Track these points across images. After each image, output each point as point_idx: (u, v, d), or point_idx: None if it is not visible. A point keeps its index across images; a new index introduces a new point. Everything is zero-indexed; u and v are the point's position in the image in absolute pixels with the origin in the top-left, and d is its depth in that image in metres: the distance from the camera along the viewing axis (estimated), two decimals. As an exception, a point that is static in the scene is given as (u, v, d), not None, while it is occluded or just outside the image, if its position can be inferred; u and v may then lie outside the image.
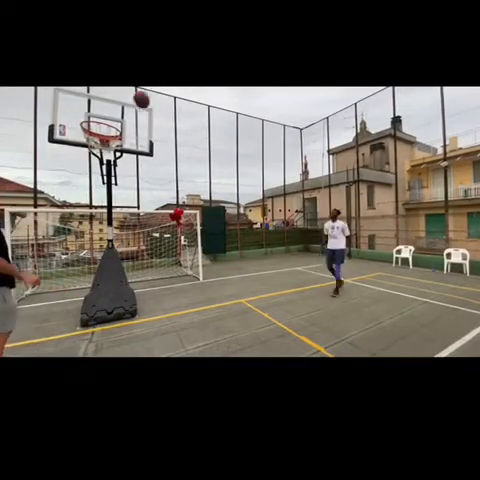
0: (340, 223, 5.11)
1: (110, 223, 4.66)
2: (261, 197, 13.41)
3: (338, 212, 5.25)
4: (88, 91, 6.45)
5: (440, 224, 10.11)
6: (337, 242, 5.06)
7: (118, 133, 4.37)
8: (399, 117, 15.10)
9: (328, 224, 5.24)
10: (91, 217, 9.07)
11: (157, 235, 8.34)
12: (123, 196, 8.64)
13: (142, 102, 4.30)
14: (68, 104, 4.15)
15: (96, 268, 4.78)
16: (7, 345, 2.78)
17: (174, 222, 6.60)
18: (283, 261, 9.72)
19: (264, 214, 16.82)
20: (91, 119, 4.23)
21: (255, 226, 17.37)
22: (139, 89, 4.47)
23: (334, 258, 5.10)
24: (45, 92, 6.41)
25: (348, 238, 5.17)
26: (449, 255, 7.16)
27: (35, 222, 7.51)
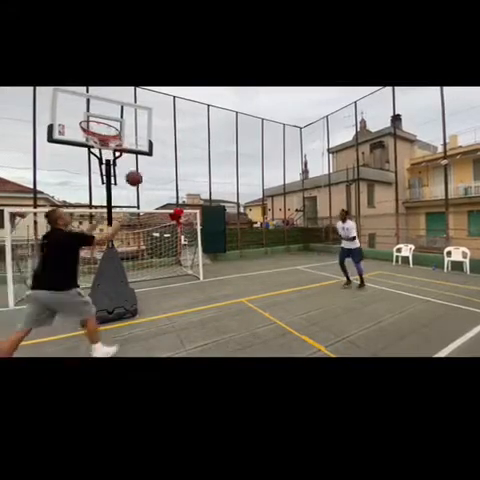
0: (349, 224, 5.20)
1: (110, 223, 4.65)
2: (261, 196, 13.40)
3: (346, 212, 5.34)
4: (87, 91, 6.43)
5: (440, 222, 10.11)
6: (351, 242, 5.18)
7: (117, 133, 4.36)
8: (399, 115, 15.08)
9: (339, 225, 5.36)
10: (91, 217, 9.06)
11: (157, 235, 8.33)
12: (123, 196, 8.63)
13: (133, 182, 4.65)
14: (67, 104, 4.14)
15: (96, 268, 4.78)
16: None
17: (174, 222, 6.59)
18: (283, 260, 9.72)
19: (264, 213, 16.82)
20: (90, 119, 4.22)
21: (255, 225, 17.36)
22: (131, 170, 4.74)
23: (350, 256, 5.25)
24: (44, 92, 6.40)
25: (353, 238, 5.21)
26: (449, 253, 7.15)
27: (35, 222, 7.50)
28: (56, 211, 2.63)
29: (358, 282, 5.37)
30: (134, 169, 4.79)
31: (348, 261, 5.37)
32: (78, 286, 2.61)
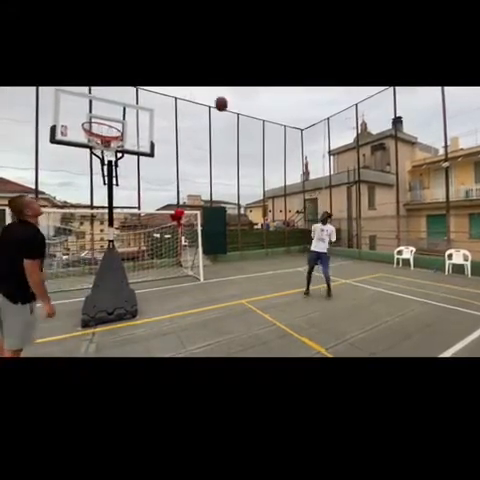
0: (330, 227, 5.05)
1: (111, 224, 4.67)
2: (262, 197, 13.40)
3: (329, 215, 5.21)
4: (90, 92, 6.47)
5: (441, 225, 10.09)
6: (324, 246, 5.01)
7: (119, 134, 4.38)
8: (400, 118, 15.10)
9: (318, 226, 5.14)
10: (92, 217, 9.08)
11: (158, 235, 8.34)
12: (122, 196, 8.64)
13: (222, 105, 4.78)
14: (69, 104, 4.16)
15: (97, 269, 4.78)
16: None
17: (175, 222, 6.60)
18: (284, 262, 9.70)
19: (265, 214, 16.82)
20: (92, 120, 4.24)
21: (256, 226, 17.35)
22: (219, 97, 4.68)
23: (318, 260, 5.04)
24: (46, 92, 6.44)
25: (331, 244, 5.10)
26: (450, 256, 7.13)
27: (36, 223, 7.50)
28: (22, 198, 2.10)
29: (326, 290, 4.99)
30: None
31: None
32: (33, 300, 2.04)
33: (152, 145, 4.84)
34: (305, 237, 13.42)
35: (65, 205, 14.89)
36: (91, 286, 4.38)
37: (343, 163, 15.73)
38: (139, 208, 9.07)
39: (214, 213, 10.30)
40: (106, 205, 4.63)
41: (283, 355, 2.78)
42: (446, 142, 8.43)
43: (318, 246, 5.05)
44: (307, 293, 5.14)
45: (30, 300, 2.01)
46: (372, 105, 10.63)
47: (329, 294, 4.94)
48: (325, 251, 5.03)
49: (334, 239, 5.07)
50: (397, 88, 9.19)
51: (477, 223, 12.64)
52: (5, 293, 1.94)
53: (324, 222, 5.08)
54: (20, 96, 7.32)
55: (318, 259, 5.07)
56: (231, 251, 10.66)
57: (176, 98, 9.94)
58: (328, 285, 4.99)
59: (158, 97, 9.54)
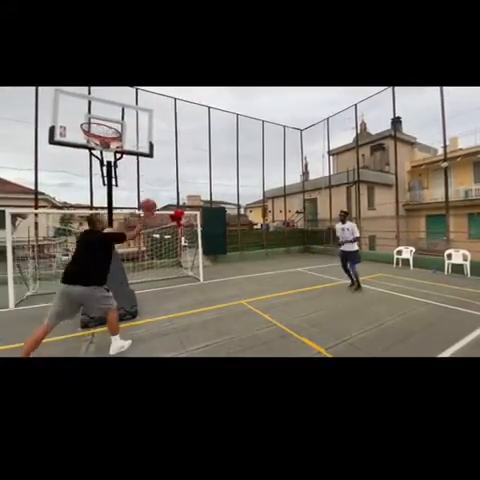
0: (349, 224, 5.18)
1: (111, 224, 4.66)
2: (262, 198, 13.41)
3: (346, 213, 5.33)
4: (89, 92, 6.47)
5: (441, 225, 10.11)
6: (350, 244, 5.14)
7: (118, 134, 4.38)
8: (399, 118, 15.12)
9: (338, 226, 5.33)
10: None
11: (157, 236, 8.34)
12: (122, 196, 8.65)
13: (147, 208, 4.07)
14: (69, 106, 4.16)
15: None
16: (9, 346, 2.82)
17: (174, 223, 6.59)
18: (284, 262, 9.70)
19: (264, 215, 16.83)
20: (91, 120, 4.24)
21: (255, 227, 17.36)
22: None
23: (347, 259, 5.23)
24: (46, 92, 6.43)
25: (357, 239, 5.23)
26: (450, 256, 7.14)
27: (36, 223, 7.51)
28: (97, 215, 3.05)
29: (355, 285, 5.36)
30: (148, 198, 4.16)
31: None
32: (105, 283, 2.96)
33: (151, 145, 4.84)
34: (305, 237, 13.45)
35: (65, 206, 14.88)
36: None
37: (343, 163, 15.75)
38: (139, 208, 9.06)
39: (214, 213, 10.30)
40: (106, 206, 4.62)
41: (283, 355, 2.78)
42: (445, 142, 8.45)
43: (345, 246, 5.21)
44: (351, 285, 5.44)
45: (102, 283, 2.90)
46: (372, 105, 10.65)
47: (357, 288, 5.22)
48: (351, 249, 5.17)
49: (357, 234, 5.17)
50: (397, 88, 9.21)
51: (476, 223, 12.67)
52: (86, 283, 2.67)
53: (343, 221, 5.22)
54: (19, 96, 7.30)
55: (347, 257, 5.24)
56: (231, 251, 10.67)
57: (175, 99, 9.94)
58: (357, 280, 5.27)
59: (157, 98, 9.55)
